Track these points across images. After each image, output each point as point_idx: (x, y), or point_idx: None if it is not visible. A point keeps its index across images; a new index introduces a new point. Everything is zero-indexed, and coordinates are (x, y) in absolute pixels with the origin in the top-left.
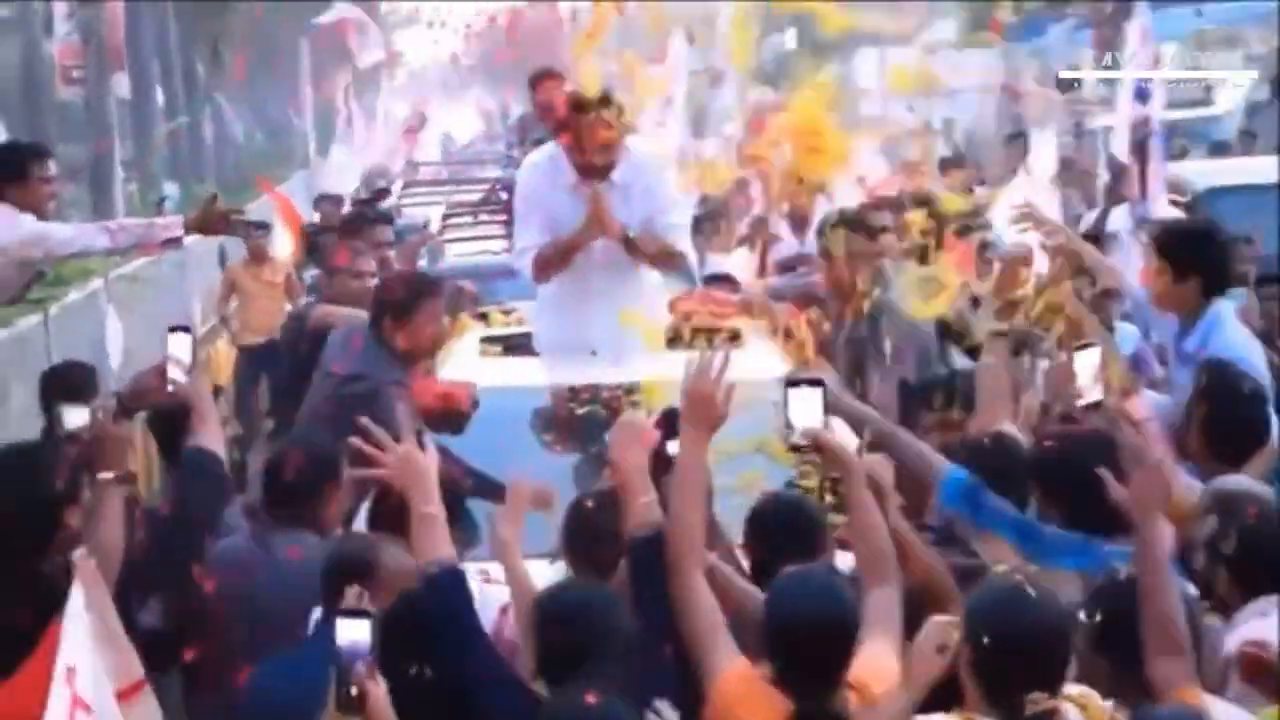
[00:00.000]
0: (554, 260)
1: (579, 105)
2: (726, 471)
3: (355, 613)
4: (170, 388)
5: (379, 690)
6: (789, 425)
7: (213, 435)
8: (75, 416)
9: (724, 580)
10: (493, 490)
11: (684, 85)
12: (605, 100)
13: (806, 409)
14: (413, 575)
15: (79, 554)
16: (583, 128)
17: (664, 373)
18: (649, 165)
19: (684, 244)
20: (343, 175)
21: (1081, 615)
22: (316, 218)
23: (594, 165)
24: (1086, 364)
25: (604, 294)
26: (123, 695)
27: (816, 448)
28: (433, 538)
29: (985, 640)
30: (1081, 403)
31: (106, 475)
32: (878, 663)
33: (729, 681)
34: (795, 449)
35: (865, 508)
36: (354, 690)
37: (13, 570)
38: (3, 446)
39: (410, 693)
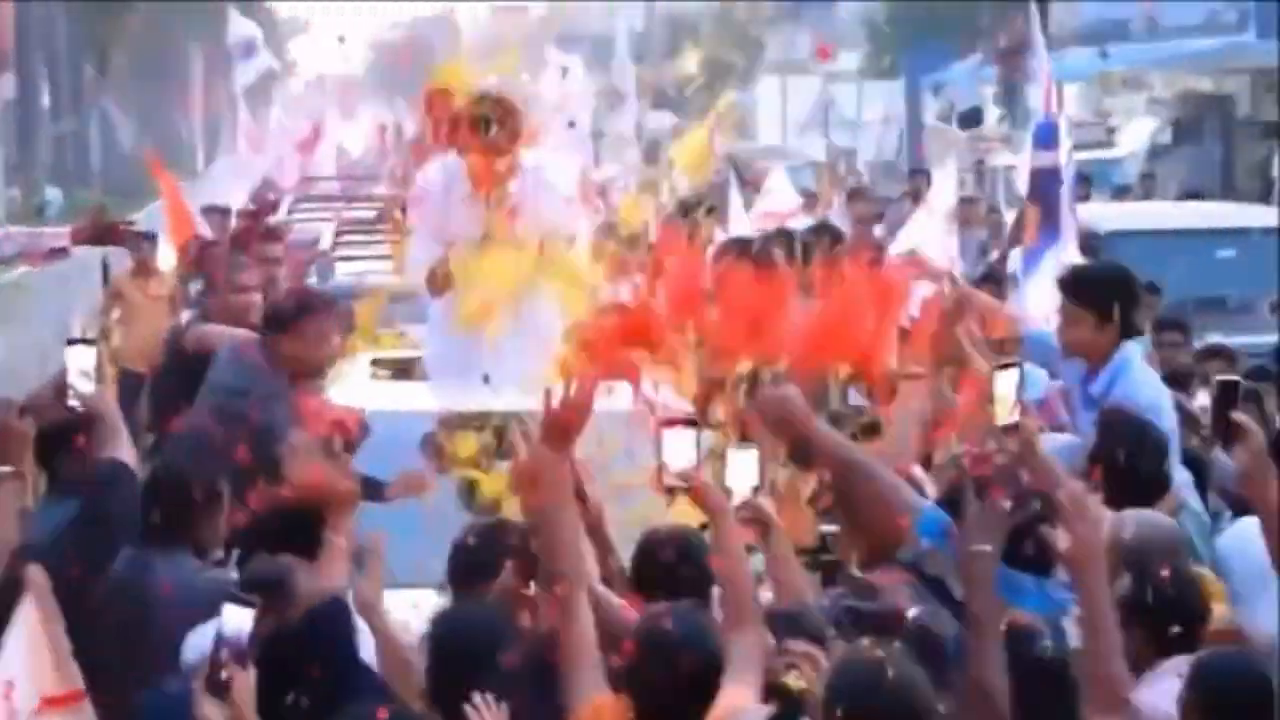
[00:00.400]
0: (445, 279)
1: (473, 123)
2: (621, 504)
3: (242, 600)
4: (74, 402)
5: (246, 679)
6: (663, 466)
7: (124, 448)
8: None
9: (603, 603)
10: (379, 491)
11: (589, 108)
12: (500, 111)
13: (680, 449)
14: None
15: (31, 567)
16: (482, 129)
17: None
18: (549, 174)
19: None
20: (230, 186)
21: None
22: (204, 229)
23: (490, 172)
24: (1006, 385)
25: (498, 321)
26: (58, 701)
27: (690, 489)
28: (335, 567)
29: (839, 713)
30: (1000, 423)
31: (3, 469)
32: (736, 706)
33: (591, 714)
34: (669, 490)
35: (730, 552)
36: (223, 675)
37: None
38: None
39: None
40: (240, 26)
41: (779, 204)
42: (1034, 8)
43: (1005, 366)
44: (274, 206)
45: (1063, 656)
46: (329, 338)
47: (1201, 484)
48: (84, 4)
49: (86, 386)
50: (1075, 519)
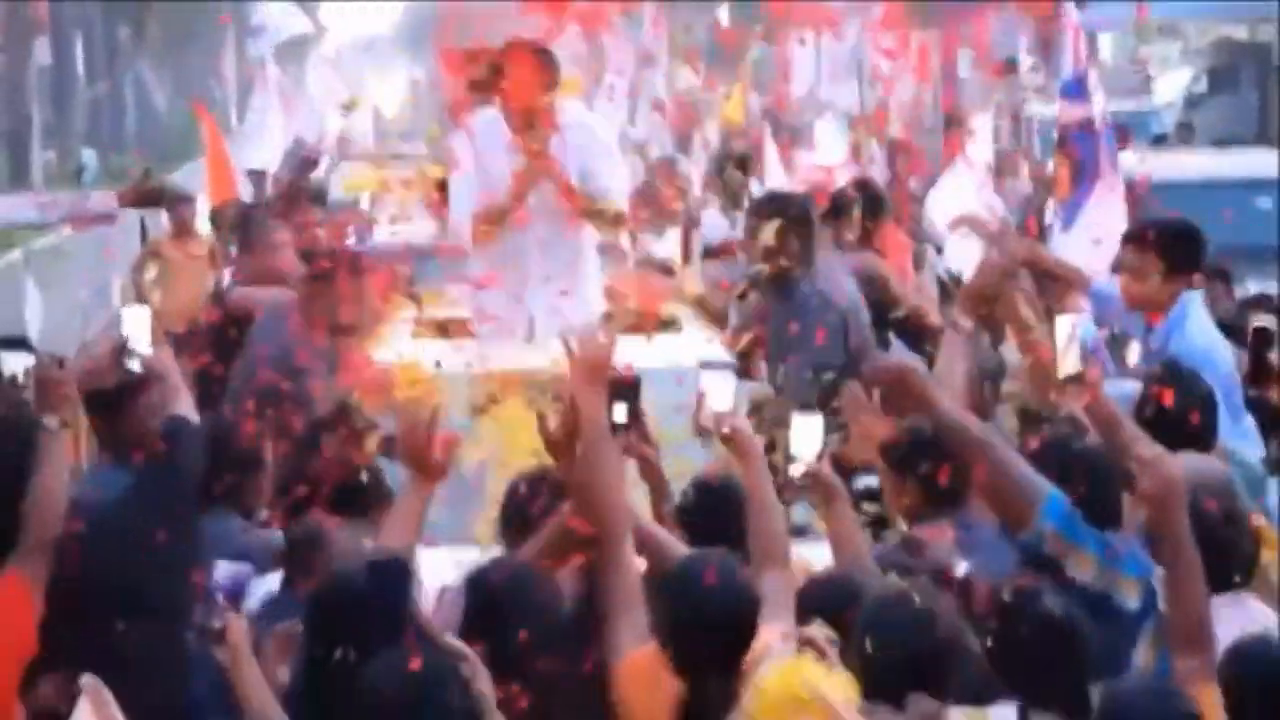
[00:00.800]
0: (495, 216)
1: (512, 51)
2: (665, 458)
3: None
4: (134, 364)
5: (240, 625)
6: (700, 405)
7: (187, 406)
8: (15, 361)
9: (655, 542)
10: None
11: (628, 72)
12: (539, 50)
13: (719, 392)
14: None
15: (85, 678)
16: (517, 72)
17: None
18: (588, 122)
19: (622, 203)
20: (261, 145)
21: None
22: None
23: (528, 111)
24: (1063, 333)
25: (542, 275)
26: None
27: (724, 434)
28: (406, 526)
29: (868, 644)
30: (1063, 374)
31: (51, 420)
32: (764, 644)
33: (633, 665)
34: (703, 431)
35: (759, 496)
36: (217, 623)
37: None
38: None
39: (333, 675)
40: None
41: (827, 157)
42: None
43: (1061, 314)
44: (313, 164)
45: (1068, 615)
46: (367, 297)
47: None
48: None
49: (145, 349)
50: (1151, 461)
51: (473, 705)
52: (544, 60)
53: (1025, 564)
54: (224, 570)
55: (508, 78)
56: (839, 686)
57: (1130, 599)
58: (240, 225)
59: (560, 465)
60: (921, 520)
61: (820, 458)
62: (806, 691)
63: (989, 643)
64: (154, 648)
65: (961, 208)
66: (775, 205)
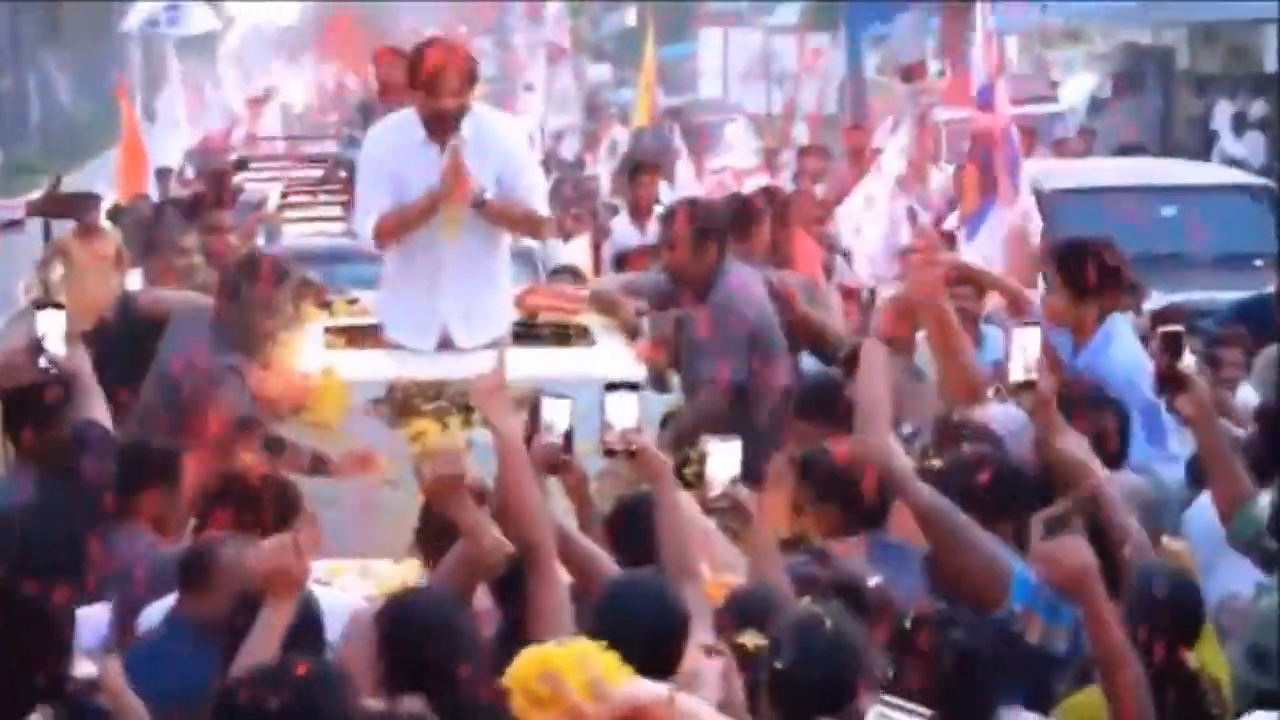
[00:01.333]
0: (405, 223)
1: (429, 48)
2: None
3: None
4: (45, 364)
5: (115, 669)
6: (605, 427)
7: (99, 410)
8: None
9: (581, 552)
10: (326, 465)
11: (542, 68)
12: (460, 49)
13: (623, 412)
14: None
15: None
16: (434, 71)
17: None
18: (502, 125)
19: (543, 208)
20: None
21: None
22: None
23: (444, 111)
24: (1026, 342)
25: (455, 274)
26: None
27: (629, 451)
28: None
29: (778, 665)
30: (1014, 380)
31: None
32: (689, 669)
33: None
34: (610, 452)
35: (671, 507)
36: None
37: None
38: None
39: None
40: None
41: (738, 160)
42: None
43: (1026, 324)
44: (237, 167)
45: (975, 647)
46: (281, 306)
47: None
48: None
49: (59, 349)
50: (1054, 553)
51: None
52: (465, 60)
53: (997, 640)
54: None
55: (427, 77)
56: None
57: (1062, 644)
58: (148, 226)
59: (449, 510)
60: (836, 536)
61: (735, 482)
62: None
63: (892, 667)
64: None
65: (875, 218)
66: (691, 212)
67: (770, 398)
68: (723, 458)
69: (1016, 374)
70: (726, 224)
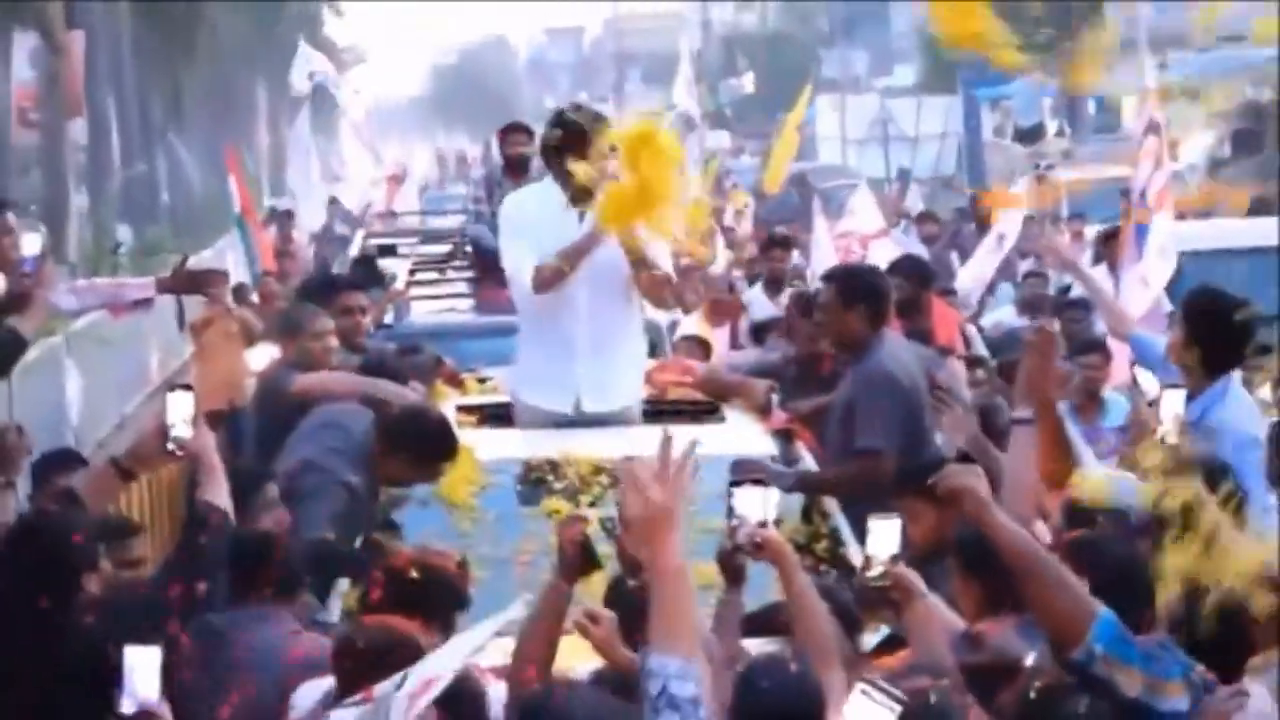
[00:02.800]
0: (561, 269)
1: (579, 130)
2: (709, 549)
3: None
4: (172, 447)
5: None
6: (734, 522)
7: (220, 492)
8: None
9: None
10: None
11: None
12: (599, 123)
13: (751, 506)
14: None
15: None
16: (583, 150)
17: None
18: None
19: (667, 267)
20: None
21: None
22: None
23: (587, 190)
24: (1171, 406)
25: (590, 339)
26: None
27: (756, 545)
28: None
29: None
30: (1169, 442)
31: None
32: None
33: None
34: (737, 548)
35: (802, 597)
36: None
37: (29, 631)
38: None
39: None
40: (310, 60)
41: (863, 225)
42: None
43: (1171, 386)
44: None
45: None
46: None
47: None
48: (152, 48)
49: (186, 432)
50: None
51: None
52: (596, 139)
53: (1078, 683)
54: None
55: (575, 152)
56: None
57: (1178, 701)
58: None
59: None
60: (985, 615)
61: (896, 559)
62: None
63: None
64: None
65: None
66: (845, 278)
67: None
68: (883, 535)
69: (1170, 436)
70: (885, 289)
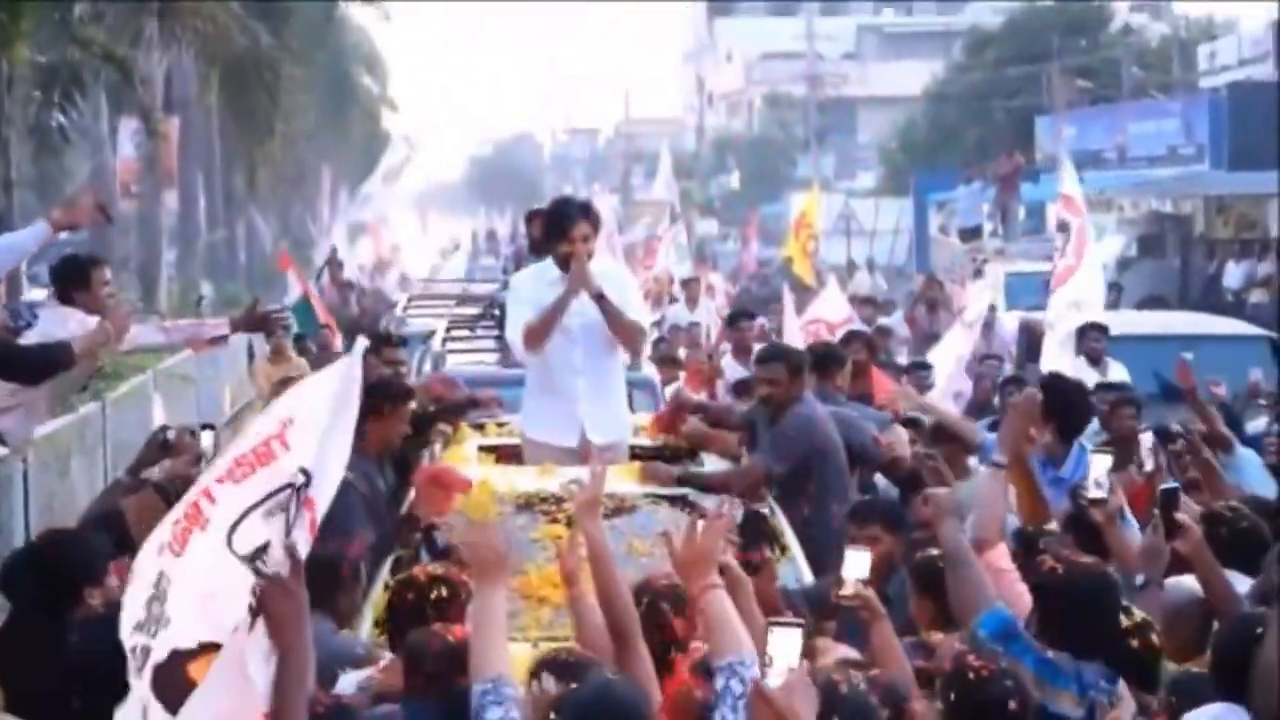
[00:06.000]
0: (543, 325)
1: (566, 215)
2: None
3: None
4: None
5: None
6: (768, 663)
7: None
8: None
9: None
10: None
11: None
12: (586, 208)
13: (787, 649)
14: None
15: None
16: (567, 232)
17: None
18: (618, 272)
19: (644, 323)
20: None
21: None
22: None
23: (579, 255)
24: (1100, 466)
25: (588, 383)
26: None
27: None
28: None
29: None
30: (1089, 496)
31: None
32: None
33: None
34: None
35: (753, 618)
36: None
37: (40, 639)
38: (42, 533)
39: None
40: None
41: (831, 313)
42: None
43: (1101, 449)
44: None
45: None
46: (404, 422)
47: None
48: (235, 131)
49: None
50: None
51: None
52: (594, 218)
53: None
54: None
55: (567, 232)
56: None
57: (1070, 710)
58: (333, 353)
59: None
60: (937, 628)
61: (865, 584)
62: None
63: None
64: None
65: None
66: (776, 352)
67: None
68: (854, 563)
69: (1091, 491)
70: (803, 364)
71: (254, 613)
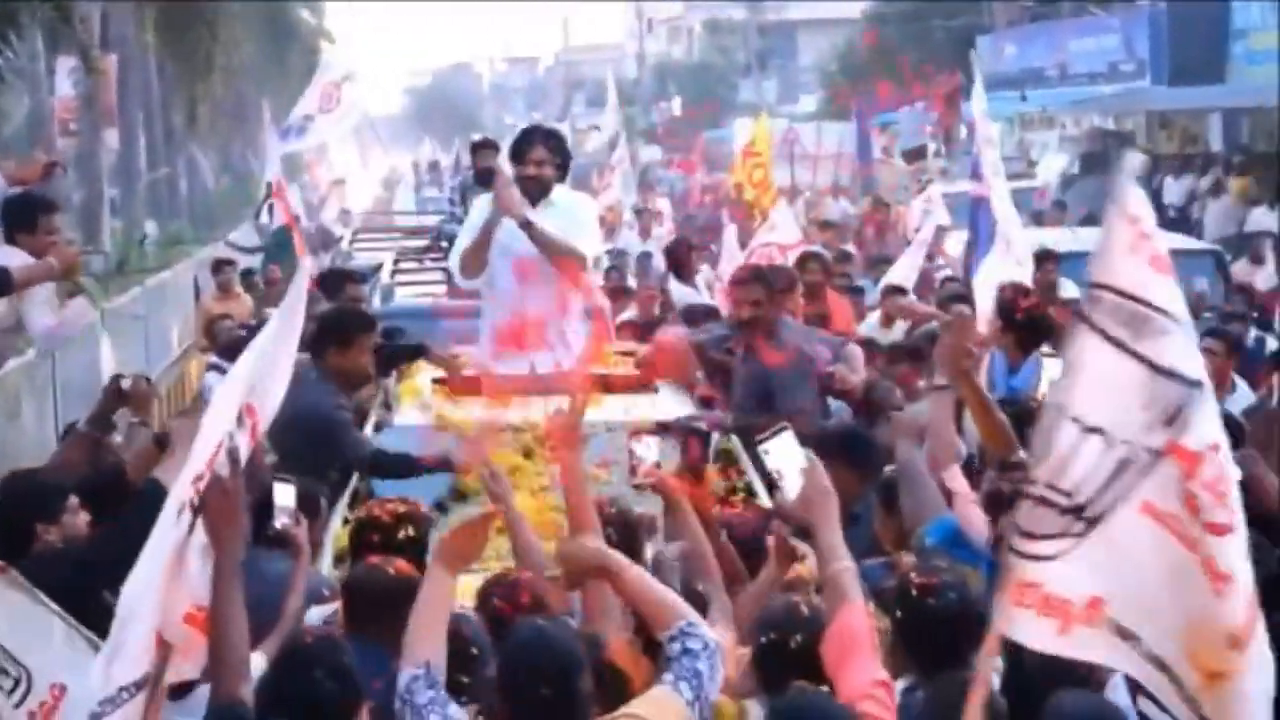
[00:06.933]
0: (474, 249)
1: (525, 140)
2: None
3: None
4: (281, 526)
5: None
6: (633, 467)
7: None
8: None
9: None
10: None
11: (625, 152)
12: (549, 134)
13: (647, 452)
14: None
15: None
16: (521, 157)
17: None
18: (574, 200)
19: (586, 251)
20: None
21: None
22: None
23: (528, 190)
24: (1054, 369)
25: (534, 298)
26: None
27: (653, 484)
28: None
29: (764, 640)
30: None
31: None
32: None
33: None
34: (638, 487)
35: (689, 527)
36: None
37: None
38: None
39: None
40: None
41: (782, 237)
42: (974, 59)
43: (1053, 356)
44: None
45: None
46: (369, 352)
47: None
48: (174, 68)
49: (285, 520)
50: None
51: None
52: (554, 144)
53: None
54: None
55: (523, 156)
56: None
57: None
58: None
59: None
60: (902, 548)
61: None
62: None
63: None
64: None
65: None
66: (756, 274)
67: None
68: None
69: (1042, 392)
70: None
71: (194, 510)
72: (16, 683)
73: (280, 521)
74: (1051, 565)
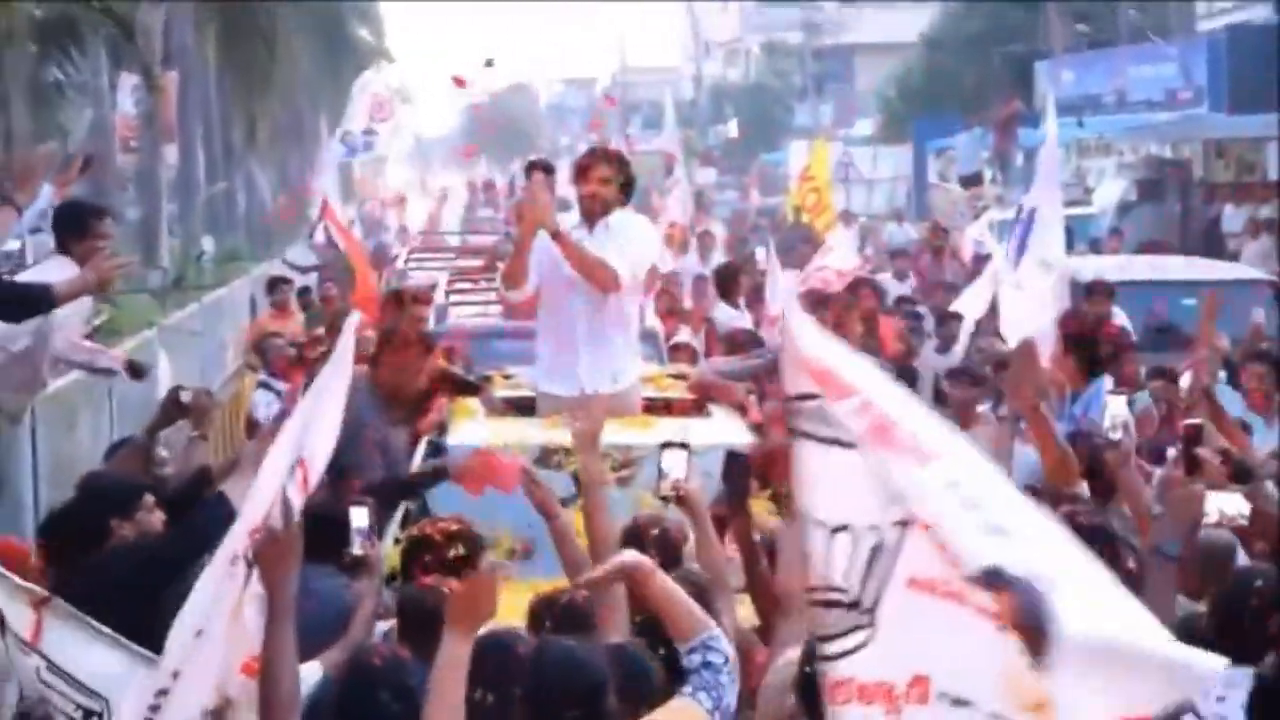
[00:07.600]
0: (513, 263)
1: (587, 157)
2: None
3: None
4: (357, 550)
5: None
6: (661, 478)
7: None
8: None
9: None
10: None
11: (682, 174)
12: (608, 155)
13: (675, 465)
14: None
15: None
16: (583, 176)
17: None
18: (631, 221)
19: (623, 271)
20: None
21: None
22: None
23: (590, 209)
24: (1117, 407)
25: (586, 331)
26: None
27: (678, 497)
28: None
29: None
30: (1107, 438)
31: (193, 433)
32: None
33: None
34: (664, 498)
35: (705, 535)
36: None
37: (74, 567)
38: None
39: None
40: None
41: (840, 261)
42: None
43: (1117, 393)
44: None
45: None
46: (419, 369)
47: None
48: (233, 86)
49: (361, 541)
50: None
51: None
52: (621, 165)
53: None
54: None
55: (590, 177)
56: None
57: None
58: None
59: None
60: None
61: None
62: None
63: None
64: None
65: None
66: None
67: None
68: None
69: (1108, 428)
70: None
71: (249, 563)
72: (101, 716)
73: (357, 543)
74: (856, 657)
